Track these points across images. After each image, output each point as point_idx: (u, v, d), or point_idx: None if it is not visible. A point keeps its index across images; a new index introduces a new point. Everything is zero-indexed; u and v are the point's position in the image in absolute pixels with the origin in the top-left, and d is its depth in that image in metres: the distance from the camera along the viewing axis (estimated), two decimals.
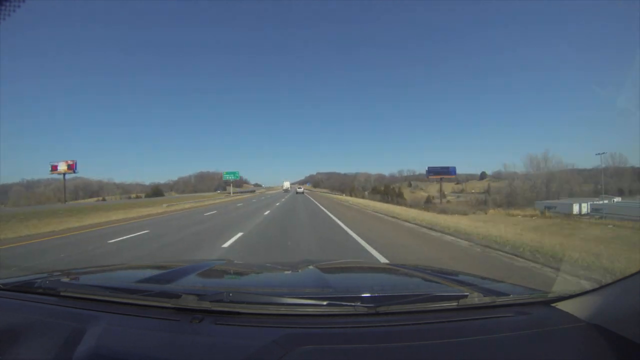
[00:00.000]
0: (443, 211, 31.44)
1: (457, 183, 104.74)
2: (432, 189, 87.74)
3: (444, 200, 67.73)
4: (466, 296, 1.00)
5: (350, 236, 7.88)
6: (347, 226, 9.83)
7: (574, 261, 4.34)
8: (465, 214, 32.09)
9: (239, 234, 8.33)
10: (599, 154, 48.56)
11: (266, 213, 15.57)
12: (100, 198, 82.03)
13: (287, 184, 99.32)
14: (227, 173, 79.69)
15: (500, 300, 1.02)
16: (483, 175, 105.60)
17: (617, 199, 38.97)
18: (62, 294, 1.10)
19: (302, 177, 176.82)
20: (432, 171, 69.39)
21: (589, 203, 31.19)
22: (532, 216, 27.65)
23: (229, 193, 69.60)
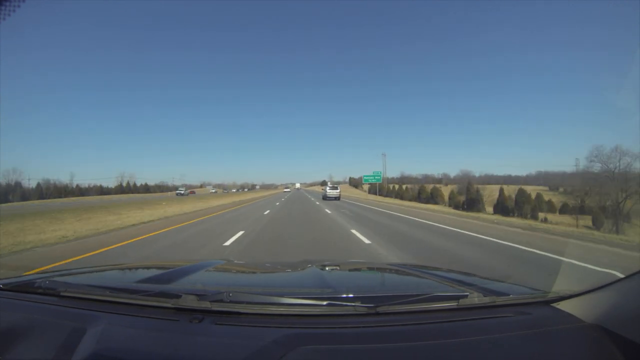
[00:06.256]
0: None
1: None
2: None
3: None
4: (466, 296, 1.00)
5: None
6: None
7: None
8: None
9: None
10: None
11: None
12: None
13: (297, 185, 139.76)
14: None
15: (500, 300, 1.02)
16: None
17: None
18: (62, 294, 1.10)
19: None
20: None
21: None
22: None
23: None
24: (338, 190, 31.72)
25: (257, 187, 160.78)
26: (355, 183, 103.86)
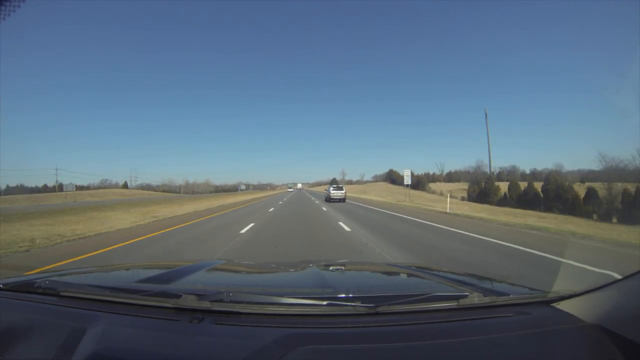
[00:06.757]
0: None
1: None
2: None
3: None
4: (466, 296, 1.00)
5: None
6: None
7: None
8: None
9: None
10: None
11: None
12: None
13: (299, 185, 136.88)
14: None
15: (500, 300, 1.02)
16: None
17: None
18: (62, 294, 1.10)
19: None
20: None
21: None
22: None
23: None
24: (343, 191, 27.64)
25: (243, 187, 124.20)
26: (410, 180, 47.96)
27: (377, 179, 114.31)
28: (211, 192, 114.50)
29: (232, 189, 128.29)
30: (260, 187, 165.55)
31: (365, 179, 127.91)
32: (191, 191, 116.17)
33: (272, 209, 18.26)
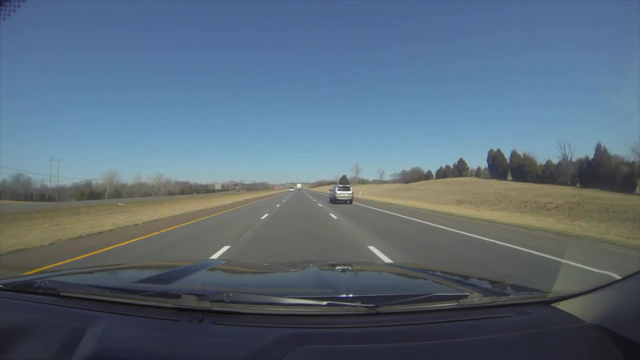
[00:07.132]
0: None
1: None
2: None
3: None
4: (466, 296, 1.00)
5: None
6: None
7: None
8: None
9: None
10: None
11: None
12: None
13: (299, 185, 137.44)
14: None
15: (501, 300, 1.02)
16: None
17: None
18: (62, 294, 1.10)
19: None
20: None
21: None
22: None
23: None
24: (350, 192, 24.55)
25: (218, 187, 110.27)
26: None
27: (404, 176, 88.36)
28: (171, 193, 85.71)
29: (219, 190, 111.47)
30: (254, 187, 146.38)
31: (384, 177, 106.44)
32: (143, 193, 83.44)
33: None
